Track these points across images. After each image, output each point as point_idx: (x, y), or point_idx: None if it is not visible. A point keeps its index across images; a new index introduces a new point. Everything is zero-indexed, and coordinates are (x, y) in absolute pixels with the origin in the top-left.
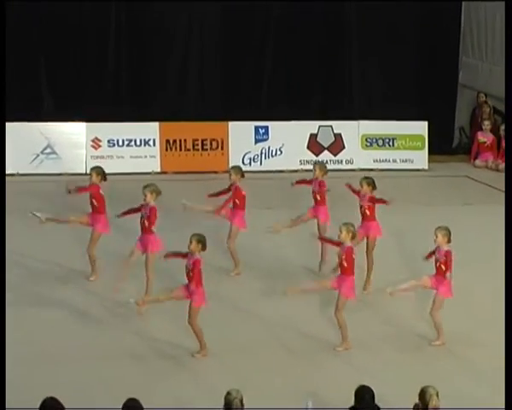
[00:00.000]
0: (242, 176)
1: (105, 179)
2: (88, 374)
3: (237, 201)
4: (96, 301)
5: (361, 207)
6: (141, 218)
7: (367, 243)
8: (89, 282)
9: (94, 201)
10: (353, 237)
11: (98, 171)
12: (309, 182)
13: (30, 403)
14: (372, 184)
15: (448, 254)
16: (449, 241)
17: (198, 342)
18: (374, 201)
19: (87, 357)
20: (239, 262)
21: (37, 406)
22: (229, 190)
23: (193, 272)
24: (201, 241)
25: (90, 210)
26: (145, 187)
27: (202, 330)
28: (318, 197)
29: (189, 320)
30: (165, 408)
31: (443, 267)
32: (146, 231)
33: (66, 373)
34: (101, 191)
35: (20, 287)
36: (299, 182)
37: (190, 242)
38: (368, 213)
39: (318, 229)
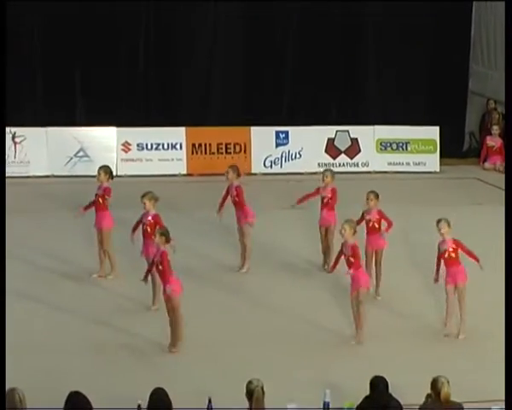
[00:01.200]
0: (239, 175)
1: (112, 178)
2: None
3: (237, 198)
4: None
5: (369, 220)
6: (143, 225)
7: (375, 256)
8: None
9: (100, 199)
10: (355, 233)
11: (106, 170)
12: (313, 194)
13: None
14: (378, 197)
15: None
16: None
17: (173, 335)
18: (382, 215)
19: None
20: (248, 259)
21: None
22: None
23: (162, 265)
24: (164, 234)
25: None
26: (143, 196)
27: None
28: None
29: (174, 313)
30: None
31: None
32: (148, 237)
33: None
34: (109, 187)
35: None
36: (301, 200)
37: (154, 236)
38: (376, 226)
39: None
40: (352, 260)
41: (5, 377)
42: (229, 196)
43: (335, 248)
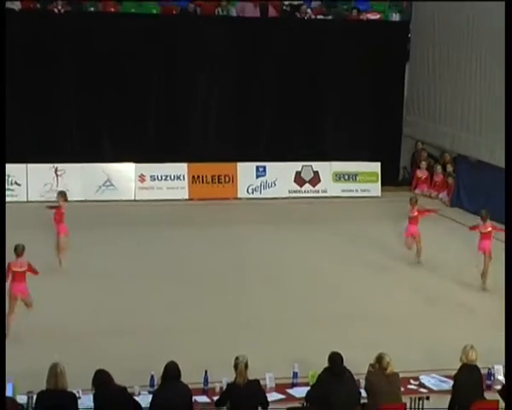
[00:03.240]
0: (65, 200)
1: (67, 201)
2: None
3: (57, 217)
4: None
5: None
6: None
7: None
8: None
9: (57, 217)
10: None
11: (62, 194)
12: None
13: None
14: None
15: None
16: None
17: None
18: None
19: None
20: None
21: None
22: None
23: None
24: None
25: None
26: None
27: None
28: None
29: None
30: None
31: None
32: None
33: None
34: (63, 210)
35: None
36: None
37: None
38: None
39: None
40: None
41: (5, 376)
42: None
43: None
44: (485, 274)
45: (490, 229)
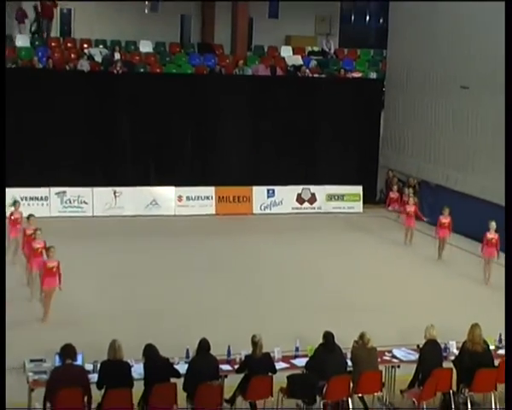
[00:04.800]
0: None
1: (28, 219)
2: None
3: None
4: None
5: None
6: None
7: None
8: None
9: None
10: None
11: (29, 216)
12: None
13: None
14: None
15: None
16: None
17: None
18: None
19: None
20: None
21: None
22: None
23: None
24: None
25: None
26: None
27: None
28: None
29: None
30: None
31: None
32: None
33: None
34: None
35: None
36: None
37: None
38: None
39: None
40: None
41: (5, 375)
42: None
43: None
44: (441, 251)
45: (449, 220)
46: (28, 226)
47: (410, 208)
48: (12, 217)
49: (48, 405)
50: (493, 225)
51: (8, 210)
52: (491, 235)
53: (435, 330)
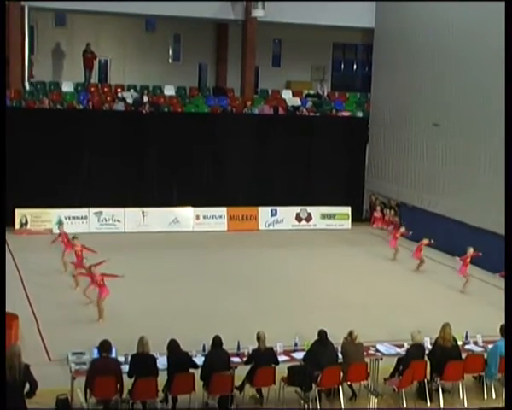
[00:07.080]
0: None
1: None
2: None
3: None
4: None
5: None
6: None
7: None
8: None
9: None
10: None
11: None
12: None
13: None
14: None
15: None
16: None
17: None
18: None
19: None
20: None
21: None
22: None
23: None
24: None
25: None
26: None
27: None
28: None
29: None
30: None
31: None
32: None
33: None
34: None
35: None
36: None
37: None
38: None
39: None
40: None
41: (5, 377)
42: None
43: None
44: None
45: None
46: (76, 244)
47: (397, 233)
48: (61, 236)
49: (88, 391)
50: (470, 250)
51: (54, 228)
52: (468, 258)
53: (421, 335)
